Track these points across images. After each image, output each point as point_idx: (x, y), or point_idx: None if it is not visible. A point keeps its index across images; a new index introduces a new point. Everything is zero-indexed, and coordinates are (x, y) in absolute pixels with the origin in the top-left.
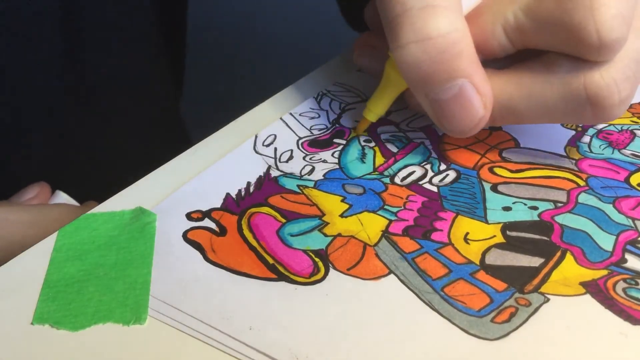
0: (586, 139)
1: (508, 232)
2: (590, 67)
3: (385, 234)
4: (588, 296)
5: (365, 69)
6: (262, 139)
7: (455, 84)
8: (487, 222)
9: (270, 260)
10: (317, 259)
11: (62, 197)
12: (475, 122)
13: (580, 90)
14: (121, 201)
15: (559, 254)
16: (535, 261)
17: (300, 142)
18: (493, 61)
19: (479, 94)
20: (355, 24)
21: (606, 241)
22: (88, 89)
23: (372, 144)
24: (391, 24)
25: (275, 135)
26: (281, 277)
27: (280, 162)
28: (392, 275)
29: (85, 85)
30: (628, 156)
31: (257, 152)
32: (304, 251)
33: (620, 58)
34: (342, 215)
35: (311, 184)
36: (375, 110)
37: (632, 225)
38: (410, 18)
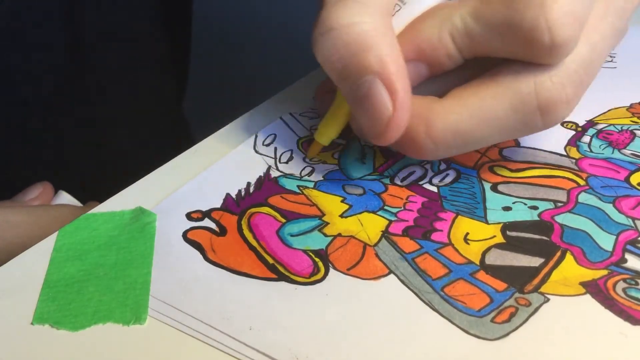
0: (586, 138)
1: (508, 232)
2: (540, 72)
3: (385, 234)
4: (588, 296)
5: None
6: (262, 138)
7: (365, 81)
8: (487, 222)
9: (270, 260)
10: (317, 259)
11: (65, 198)
12: (384, 123)
13: (531, 97)
14: (121, 201)
15: (559, 254)
16: (535, 261)
17: (300, 142)
18: (442, 79)
19: (388, 92)
20: None
21: (606, 241)
22: (90, 88)
23: (372, 144)
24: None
25: (275, 135)
26: (281, 277)
27: (280, 162)
28: (392, 275)
29: (87, 85)
30: (628, 156)
31: (257, 152)
32: (304, 251)
33: (568, 63)
34: (342, 216)
35: (311, 185)
36: (327, 133)
37: (632, 225)
38: (323, 11)
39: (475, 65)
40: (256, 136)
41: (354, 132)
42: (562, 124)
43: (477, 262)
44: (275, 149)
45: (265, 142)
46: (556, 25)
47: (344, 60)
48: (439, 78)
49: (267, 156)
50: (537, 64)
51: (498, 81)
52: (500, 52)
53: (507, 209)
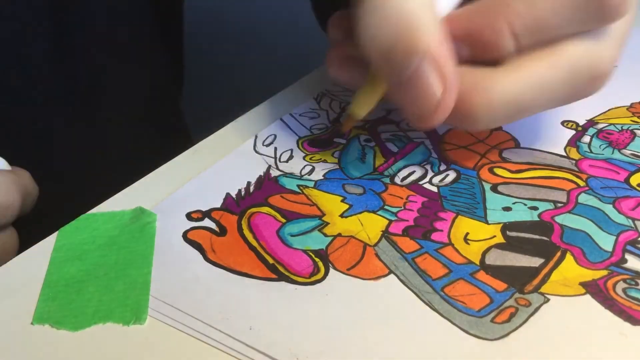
0: (586, 139)
1: (508, 232)
2: (594, 42)
3: (385, 234)
4: (588, 296)
5: (346, 84)
6: (262, 138)
7: (412, 62)
8: (487, 222)
9: (270, 260)
10: (317, 259)
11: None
12: (432, 108)
13: (585, 68)
14: (121, 201)
15: (559, 254)
16: (535, 261)
17: (300, 142)
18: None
19: (438, 75)
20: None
21: (606, 241)
22: (83, 89)
23: (372, 144)
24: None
25: (275, 135)
26: (281, 277)
27: (280, 161)
28: (392, 275)
29: (81, 85)
30: (628, 156)
31: (257, 152)
32: (304, 251)
33: (615, 29)
34: (342, 216)
35: (311, 184)
36: (363, 106)
37: (632, 225)
38: None
39: None
40: (256, 136)
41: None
42: (562, 123)
43: (477, 262)
44: (275, 148)
45: (265, 142)
46: None
47: (391, 39)
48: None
49: (267, 156)
50: (590, 30)
51: (555, 52)
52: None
53: (507, 209)
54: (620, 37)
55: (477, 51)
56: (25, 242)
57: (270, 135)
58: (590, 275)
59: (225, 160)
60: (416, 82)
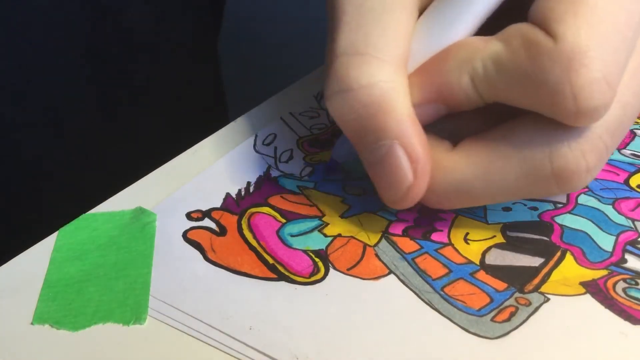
0: None
1: (508, 232)
2: (559, 136)
3: (385, 234)
4: (588, 296)
5: None
6: (262, 138)
7: (383, 145)
8: (487, 222)
9: (270, 260)
10: (317, 259)
11: None
12: (402, 191)
13: (545, 164)
14: (121, 201)
15: (559, 254)
16: (535, 261)
17: (300, 142)
18: (463, 116)
19: (409, 158)
20: None
21: (606, 241)
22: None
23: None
24: (325, 72)
25: (275, 135)
26: (281, 277)
27: (280, 162)
28: (392, 275)
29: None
30: (628, 156)
31: (257, 152)
32: (304, 251)
33: (593, 127)
34: (342, 216)
35: (311, 185)
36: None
37: (632, 225)
38: (337, 66)
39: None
40: (256, 136)
41: None
42: None
43: (477, 262)
44: (275, 148)
45: (266, 142)
46: (583, 92)
47: (361, 122)
48: (460, 115)
49: (267, 156)
50: (558, 123)
51: (510, 140)
52: (522, 105)
53: (507, 209)
54: (600, 135)
55: (451, 109)
56: (26, 242)
57: (270, 134)
58: (590, 275)
59: (225, 160)
60: (386, 165)
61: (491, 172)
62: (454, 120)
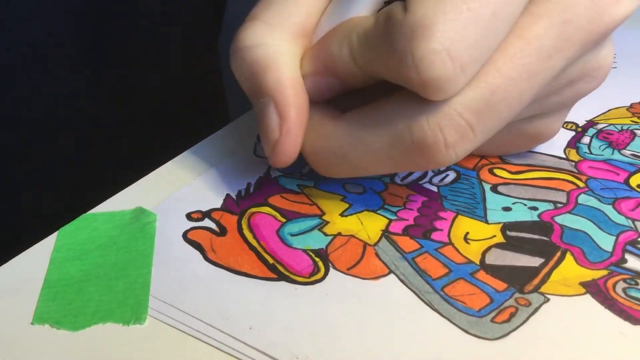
0: (586, 139)
1: (508, 232)
2: (418, 109)
3: (385, 233)
4: (588, 296)
5: None
6: None
7: (261, 102)
8: (487, 222)
9: (270, 260)
10: (317, 259)
11: None
12: (270, 147)
13: (406, 135)
14: (121, 201)
15: (559, 254)
16: (535, 261)
17: None
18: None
19: (279, 116)
20: None
21: (606, 241)
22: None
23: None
24: None
25: None
26: (281, 277)
27: None
28: (392, 275)
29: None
30: (628, 156)
31: (257, 152)
32: (304, 251)
33: (453, 103)
34: (342, 215)
35: (311, 184)
36: None
37: (632, 226)
38: (238, 30)
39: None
40: (257, 136)
41: None
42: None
43: (477, 262)
44: None
45: None
46: (423, 63)
47: (247, 78)
48: (360, 91)
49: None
50: (421, 98)
51: (381, 111)
52: (386, 76)
53: (507, 209)
54: (460, 112)
55: (344, 84)
56: (26, 242)
57: None
58: (590, 275)
59: (225, 160)
60: (261, 120)
61: (364, 142)
62: (354, 97)
